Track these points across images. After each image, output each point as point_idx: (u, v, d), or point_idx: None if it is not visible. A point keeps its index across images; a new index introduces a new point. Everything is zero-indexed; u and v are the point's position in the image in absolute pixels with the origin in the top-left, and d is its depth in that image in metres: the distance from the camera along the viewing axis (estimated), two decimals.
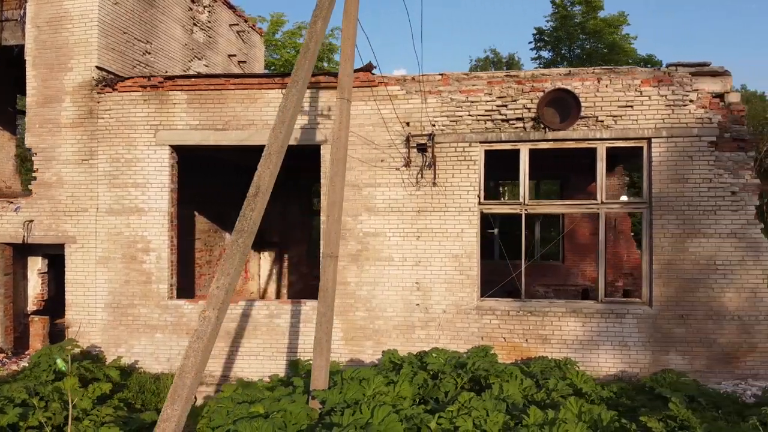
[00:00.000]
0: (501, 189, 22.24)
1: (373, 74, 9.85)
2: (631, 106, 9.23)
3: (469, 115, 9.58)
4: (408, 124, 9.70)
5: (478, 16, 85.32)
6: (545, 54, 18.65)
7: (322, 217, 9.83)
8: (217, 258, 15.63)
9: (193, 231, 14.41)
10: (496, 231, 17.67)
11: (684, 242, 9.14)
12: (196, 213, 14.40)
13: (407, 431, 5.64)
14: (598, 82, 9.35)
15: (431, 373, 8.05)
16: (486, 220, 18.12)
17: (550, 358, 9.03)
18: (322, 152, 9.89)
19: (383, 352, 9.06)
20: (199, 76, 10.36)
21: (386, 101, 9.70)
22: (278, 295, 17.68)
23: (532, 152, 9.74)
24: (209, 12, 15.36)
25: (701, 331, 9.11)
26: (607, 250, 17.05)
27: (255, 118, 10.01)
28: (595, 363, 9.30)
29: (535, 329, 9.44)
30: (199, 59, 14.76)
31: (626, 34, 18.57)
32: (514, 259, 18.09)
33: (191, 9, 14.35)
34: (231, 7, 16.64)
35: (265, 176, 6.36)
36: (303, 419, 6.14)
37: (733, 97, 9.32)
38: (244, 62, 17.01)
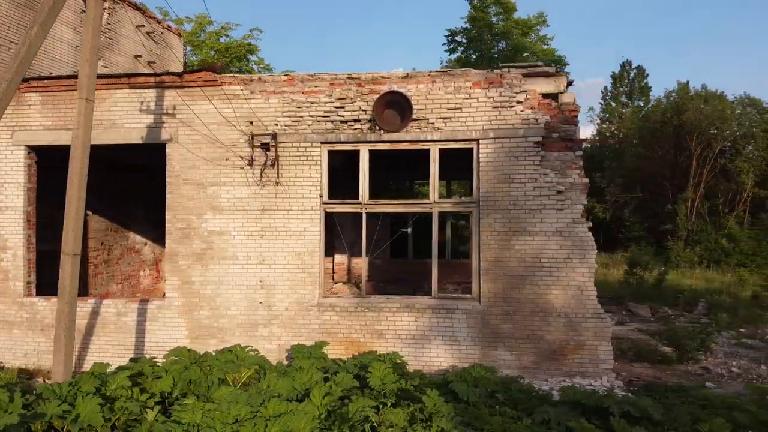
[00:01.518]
0: (416, 187, 22.39)
1: (218, 74, 10.04)
2: (460, 108, 9.47)
3: (310, 115, 9.78)
4: (252, 123, 9.89)
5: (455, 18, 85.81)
6: (456, 55, 18.92)
7: (167, 216, 10.03)
8: (118, 257, 15.75)
9: (86, 230, 14.52)
10: (409, 230, 17.92)
11: (510, 240, 9.37)
12: (90, 213, 14.51)
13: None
14: (432, 84, 9.58)
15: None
16: (402, 221, 18.36)
17: (379, 352, 9.23)
18: (167, 151, 10.06)
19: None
20: (52, 77, 10.51)
21: (230, 100, 9.88)
22: None
23: (390, 152, 9.98)
24: (109, 14, 15.51)
25: (528, 327, 9.34)
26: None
27: (103, 118, 10.17)
28: (427, 358, 9.51)
29: (372, 325, 9.64)
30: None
31: (544, 35, 18.88)
32: (428, 258, 18.43)
33: (84, 12, 14.46)
34: (139, 9, 16.80)
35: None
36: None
37: (566, 98, 9.57)
38: (154, 62, 17.14)
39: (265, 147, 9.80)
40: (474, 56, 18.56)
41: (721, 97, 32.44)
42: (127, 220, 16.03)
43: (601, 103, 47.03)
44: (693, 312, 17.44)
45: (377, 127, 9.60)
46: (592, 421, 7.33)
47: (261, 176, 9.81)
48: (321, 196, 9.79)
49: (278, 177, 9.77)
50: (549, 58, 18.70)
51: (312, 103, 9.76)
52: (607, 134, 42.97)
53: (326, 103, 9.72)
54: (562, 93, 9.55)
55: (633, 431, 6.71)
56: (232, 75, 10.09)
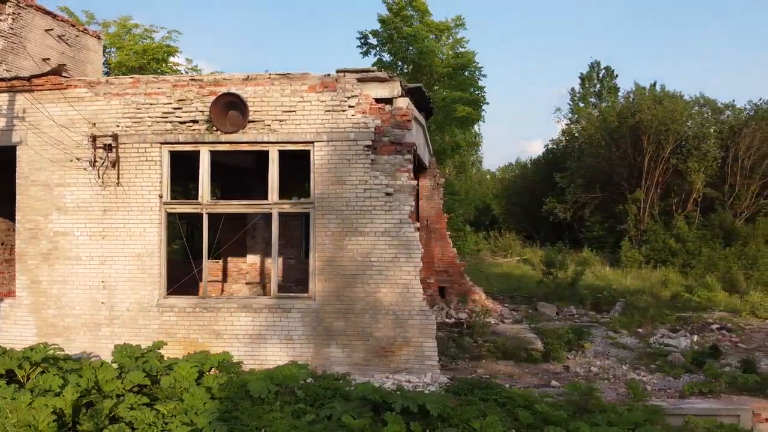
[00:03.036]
0: None
1: (65, 77, 10.19)
2: (294, 111, 9.60)
3: (149, 116, 9.92)
4: (95, 125, 10.03)
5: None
6: (371, 59, 19.14)
7: (17, 217, 10.18)
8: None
9: None
10: None
11: (343, 240, 9.50)
12: None
13: None
14: (271, 86, 9.71)
15: None
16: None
17: (212, 352, 9.36)
18: (18, 153, 10.22)
19: None
20: None
21: (76, 103, 10.03)
22: None
23: (223, 153, 10.12)
24: (13, 19, 15.69)
25: (359, 324, 9.47)
26: (422, 248, 17.54)
27: None
28: (264, 357, 9.63)
29: (210, 325, 9.77)
30: None
31: (461, 38, 19.05)
32: None
33: None
34: (48, 13, 16.98)
35: None
36: None
37: (400, 103, 9.72)
38: (64, 65, 17.26)
39: (108, 148, 9.94)
40: (388, 58, 18.72)
41: (675, 98, 32.47)
42: None
43: (569, 104, 47.09)
44: (610, 311, 17.56)
45: (214, 128, 9.73)
46: (377, 415, 7.48)
47: (103, 177, 9.96)
48: (161, 196, 9.92)
49: (119, 178, 9.92)
50: (460, 61, 18.82)
51: (151, 104, 9.90)
52: (576, 134, 43.01)
53: (165, 104, 9.86)
54: (396, 98, 9.69)
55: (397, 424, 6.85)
56: (79, 78, 10.26)
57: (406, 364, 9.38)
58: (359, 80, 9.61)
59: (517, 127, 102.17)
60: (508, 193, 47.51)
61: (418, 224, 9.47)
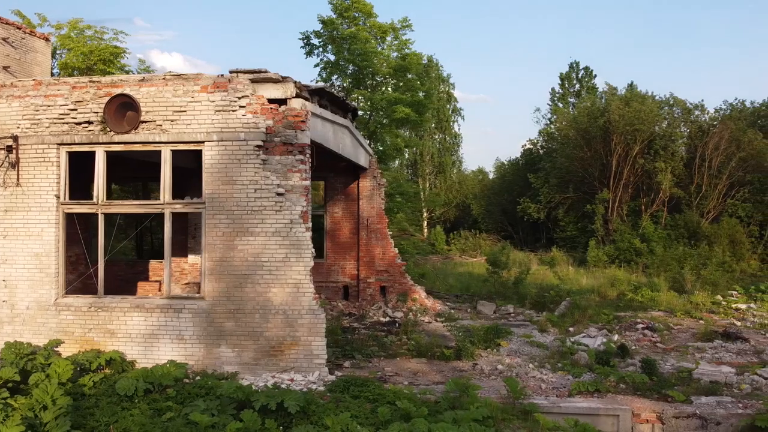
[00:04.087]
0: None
1: None
2: (185, 111, 9.68)
3: (47, 118, 10.01)
4: None
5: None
6: (314, 59, 19.18)
7: None
8: None
9: None
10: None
11: (234, 240, 9.59)
12: None
13: None
14: (165, 87, 9.79)
15: None
16: None
17: (107, 351, 9.47)
18: None
19: None
20: None
21: None
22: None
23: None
24: None
25: (249, 324, 9.55)
26: (361, 248, 17.68)
27: None
28: (156, 356, 9.69)
29: (104, 324, 9.86)
30: None
31: (407, 40, 19.11)
32: None
33: None
34: None
35: None
36: None
37: (294, 104, 9.79)
38: (8, 67, 17.43)
39: (8, 150, 10.03)
40: (331, 59, 18.79)
41: (644, 98, 32.50)
42: None
43: (549, 104, 47.10)
44: (554, 311, 17.62)
45: (108, 129, 9.82)
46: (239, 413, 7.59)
47: (3, 178, 10.05)
48: (58, 197, 10.02)
49: (18, 179, 10.01)
50: (403, 63, 18.88)
51: (49, 106, 9.99)
52: (555, 134, 43.03)
53: (62, 105, 9.95)
54: (290, 99, 9.76)
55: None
56: None
57: (295, 363, 9.46)
58: (252, 81, 9.69)
59: (518, 126, 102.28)
60: (488, 193, 47.56)
61: (309, 224, 9.54)
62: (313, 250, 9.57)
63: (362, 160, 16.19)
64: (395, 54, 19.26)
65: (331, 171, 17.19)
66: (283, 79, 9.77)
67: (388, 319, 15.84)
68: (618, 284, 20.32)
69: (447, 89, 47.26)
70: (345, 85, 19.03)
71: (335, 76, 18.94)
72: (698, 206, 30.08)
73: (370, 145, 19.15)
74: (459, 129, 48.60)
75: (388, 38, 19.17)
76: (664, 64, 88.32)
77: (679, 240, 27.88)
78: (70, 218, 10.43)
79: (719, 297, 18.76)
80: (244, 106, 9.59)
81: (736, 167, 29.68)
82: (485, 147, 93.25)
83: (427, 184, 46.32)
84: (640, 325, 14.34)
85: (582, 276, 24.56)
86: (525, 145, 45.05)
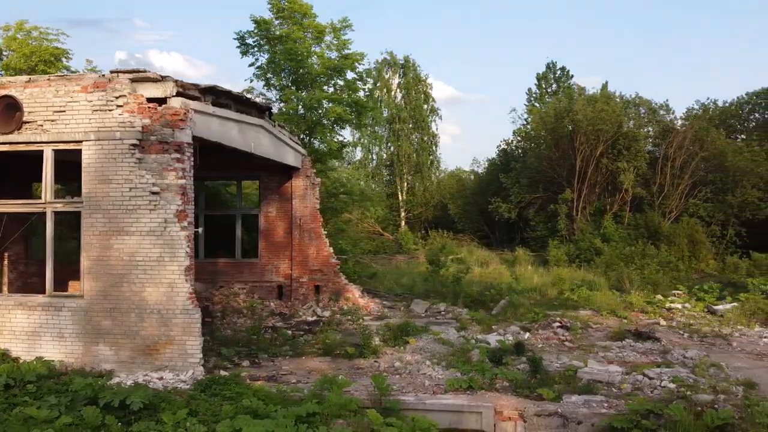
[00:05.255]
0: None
1: None
2: (64, 111, 9.77)
3: None
4: None
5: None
6: (249, 59, 19.20)
7: None
8: None
9: None
10: (200, 230, 18.19)
11: (110, 239, 9.66)
12: None
13: None
14: (48, 87, 9.87)
15: None
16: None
17: None
18: None
19: None
20: None
21: None
22: None
23: None
24: None
25: (125, 323, 9.63)
26: (294, 247, 17.74)
27: None
28: (39, 353, 9.77)
29: None
30: None
31: (346, 40, 19.15)
32: (220, 258, 18.69)
33: None
34: None
35: None
36: None
37: (173, 103, 9.86)
38: None
39: None
40: (264, 59, 18.86)
41: (609, 98, 32.52)
42: None
43: (525, 104, 47.06)
44: (492, 310, 17.69)
45: None
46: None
47: None
48: None
49: None
50: (339, 63, 18.99)
51: None
52: (531, 134, 43.02)
53: None
54: (170, 98, 9.83)
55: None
56: None
57: (170, 362, 9.52)
58: (132, 80, 9.76)
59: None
60: (466, 193, 47.57)
61: (186, 223, 9.60)
62: (189, 249, 9.63)
63: (290, 159, 16.24)
64: (334, 54, 19.34)
65: (266, 170, 17.25)
66: (163, 79, 9.84)
67: (315, 318, 15.91)
68: (560, 283, 20.32)
69: (424, 89, 47.23)
70: (278, 85, 19.08)
71: (269, 76, 18.99)
72: (660, 206, 30.06)
73: (308, 145, 19.22)
74: (437, 129, 48.52)
75: (328, 38, 19.25)
76: (652, 65, 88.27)
77: (639, 240, 27.87)
78: None
79: (660, 297, 18.77)
80: (121, 106, 9.65)
81: (698, 167, 29.67)
82: (484, 147, 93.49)
83: (405, 184, 46.32)
84: (556, 324, 14.36)
85: (534, 275, 24.59)
86: (500, 146, 45.07)
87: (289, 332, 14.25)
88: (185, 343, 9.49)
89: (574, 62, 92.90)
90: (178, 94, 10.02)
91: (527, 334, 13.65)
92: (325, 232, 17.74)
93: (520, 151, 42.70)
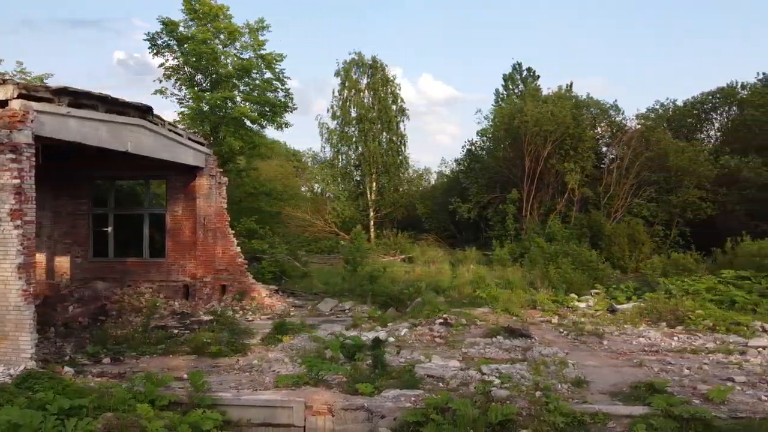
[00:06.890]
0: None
1: None
2: None
3: None
4: None
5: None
6: (160, 59, 19.44)
7: None
8: None
9: None
10: (110, 229, 18.46)
11: None
12: None
13: None
14: None
15: None
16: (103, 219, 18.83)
17: None
18: None
19: None
20: None
21: None
22: None
23: None
24: None
25: None
26: (198, 246, 17.95)
27: None
28: None
29: None
30: None
31: (263, 41, 19.37)
32: (129, 257, 18.90)
33: None
34: None
35: None
36: None
37: (13, 104, 10.11)
38: None
39: None
40: (175, 60, 19.09)
41: (561, 98, 32.71)
42: None
43: (492, 105, 47.21)
44: (407, 307, 17.90)
45: None
46: None
47: None
48: None
49: None
50: (248, 64, 19.21)
51: None
52: (491, 135, 43.19)
53: None
54: (11, 100, 10.08)
55: None
56: None
57: (4, 357, 9.76)
58: None
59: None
60: (435, 193, 47.74)
61: (20, 222, 9.84)
62: (25, 247, 9.86)
63: (190, 158, 16.48)
64: (250, 54, 19.56)
65: (174, 170, 17.48)
66: (4, 82, 10.09)
67: (211, 318, 16.12)
68: (478, 282, 20.49)
69: (392, 90, 47.40)
70: (186, 84, 19.31)
71: (178, 75, 19.22)
72: (605, 206, 30.22)
73: (222, 143, 19.44)
74: (404, 129, 48.63)
75: (244, 38, 19.44)
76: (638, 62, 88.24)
77: (581, 239, 28.01)
78: None
79: (574, 295, 18.94)
80: None
81: (643, 167, 29.80)
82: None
83: (374, 185, 46.52)
84: (439, 321, 14.56)
85: (467, 274, 24.78)
86: (464, 146, 45.28)
87: (176, 331, 14.51)
88: (18, 339, 9.73)
89: (574, 62, 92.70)
90: (23, 96, 10.28)
91: (404, 331, 13.84)
92: (233, 232, 17.96)
93: (483, 151, 42.96)
